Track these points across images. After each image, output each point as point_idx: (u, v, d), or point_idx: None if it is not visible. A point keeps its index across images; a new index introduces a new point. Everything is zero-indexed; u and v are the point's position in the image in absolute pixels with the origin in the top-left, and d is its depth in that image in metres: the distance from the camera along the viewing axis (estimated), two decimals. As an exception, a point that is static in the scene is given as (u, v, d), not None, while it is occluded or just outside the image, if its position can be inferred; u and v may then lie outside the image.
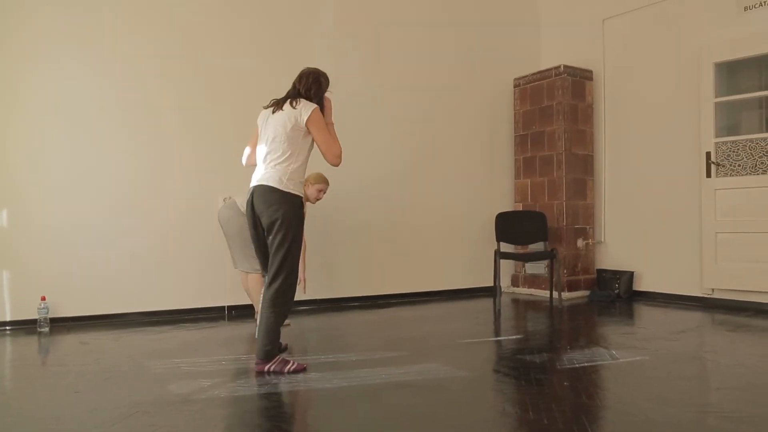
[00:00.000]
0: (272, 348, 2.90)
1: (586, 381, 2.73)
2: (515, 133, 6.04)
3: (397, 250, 5.45)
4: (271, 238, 2.88)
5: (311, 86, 2.99)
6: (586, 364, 3.00)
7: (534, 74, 5.82)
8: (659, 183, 5.25)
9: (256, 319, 4.30)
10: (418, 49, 5.60)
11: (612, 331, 3.95)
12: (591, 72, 5.75)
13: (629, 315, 4.66)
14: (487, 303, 5.30)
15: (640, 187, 5.41)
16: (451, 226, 5.77)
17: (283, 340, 3.40)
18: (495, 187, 6.02)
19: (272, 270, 2.86)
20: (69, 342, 3.71)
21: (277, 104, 2.98)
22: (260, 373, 2.87)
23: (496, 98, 6.04)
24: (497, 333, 4.10)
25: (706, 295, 4.93)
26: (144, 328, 4.10)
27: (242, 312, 4.66)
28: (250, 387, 2.66)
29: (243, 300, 4.64)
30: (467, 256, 5.82)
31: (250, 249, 3.94)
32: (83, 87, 4.27)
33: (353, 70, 5.26)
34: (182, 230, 4.56)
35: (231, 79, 4.74)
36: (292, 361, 2.95)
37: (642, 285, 5.39)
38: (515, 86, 6.03)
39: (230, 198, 4.17)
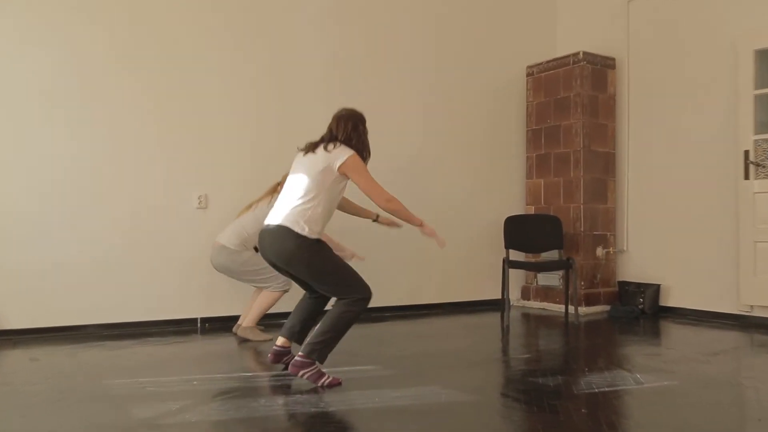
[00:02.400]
0: (320, 350, 2.98)
1: (606, 408, 2.71)
2: (527, 127, 6.04)
3: (392, 258, 5.42)
4: (308, 279, 3.11)
5: (351, 135, 3.14)
6: (606, 389, 2.98)
7: (549, 62, 5.82)
8: (690, 185, 5.25)
9: (234, 333, 4.29)
10: (417, 34, 5.59)
11: (636, 351, 3.94)
12: (614, 59, 5.74)
13: (655, 334, 4.65)
14: (493, 318, 5.28)
15: (669, 190, 5.40)
16: (454, 232, 5.73)
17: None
18: (504, 188, 6.01)
19: (334, 296, 3.09)
20: (16, 358, 3.65)
21: (311, 148, 3.14)
22: (293, 376, 3.03)
23: (506, 89, 6.03)
24: (505, 352, 4.08)
25: (743, 313, 4.92)
26: (103, 343, 4.05)
27: (218, 325, 4.62)
28: (226, 410, 2.63)
29: (219, 311, 4.60)
30: (471, 265, 5.80)
31: (264, 272, 4.06)
32: (40, 71, 4.22)
33: (346, 58, 5.24)
34: (150, 230, 4.52)
35: (205, 64, 4.71)
36: (327, 374, 3.01)
37: (670, 300, 5.38)
38: (528, 75, 6.02)
39: (215, 244, 4.20)
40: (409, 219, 3.20)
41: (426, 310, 5.55)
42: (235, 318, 4.48)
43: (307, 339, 3.08)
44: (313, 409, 2.65)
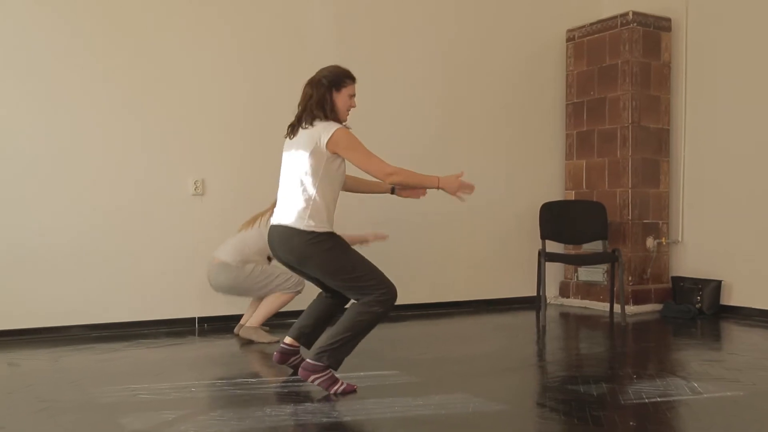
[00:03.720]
0: (333, 355, 3.00)
1: (658, 421, 2.69)
2: (567, 100, 5.99)
3: (414, 250, 5.42)
4: (326, 280, 3.15)
5: (313, 97, 3.08)
6: (658, 399, 2.96)
7: (593, 24, 5.76)
8: (757, 166, 5.18)
9: (236, 334, 4.33)
10: (443, -8, 5.56)
11: (692, 357, 3.91)
12: (669, 20, 5.67)
13: (715, 337, 4.61)
14: (528, 317, 5.27)
15: (732, 172, 5.34)
16: (482, 221, 5.73)
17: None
18: (539, 170, 5.98)
19: (357, 299, 3.11)
20: (-5, 361, 3.71)
21: (292, 130, 3.15)
22: (303, 381, 3.06)
23: (543, 56, 5.98)
24: (541, 356, 4.08)
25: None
26: (91, 346, 4.10)
27: (217, 325, 4.66)
28: (227, 421, 2.65)
29: (218, 310, 4.64)
30: (503, 258, 5.79)
31: (274, 279, 4.14)
32: (14, 44, 4.26)
33: (351, 23, 5.22)
34: (140, 219, 4.56)
35: (199, 39, 4.72)
36: (341, 381, 3.03)
37: (732, 299, 5.33)
38: (568, 40, 5.97)
39: (213, 260, 4.24)
40: (423, 182, 3.21)
41: (452, 309, 5.56)
42: (237, 318, 4.52)
43: (321, 341, 3.10)
44: (324, 420, 2.67)
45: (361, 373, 3.42)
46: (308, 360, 3.03)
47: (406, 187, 3.34)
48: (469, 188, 3.27)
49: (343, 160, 3.12)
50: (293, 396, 3.01)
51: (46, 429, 2.57)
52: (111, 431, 2.54)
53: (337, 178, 3.12)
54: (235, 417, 2.71)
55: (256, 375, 3.57)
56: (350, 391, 3.02)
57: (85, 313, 4.42)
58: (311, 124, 3.07)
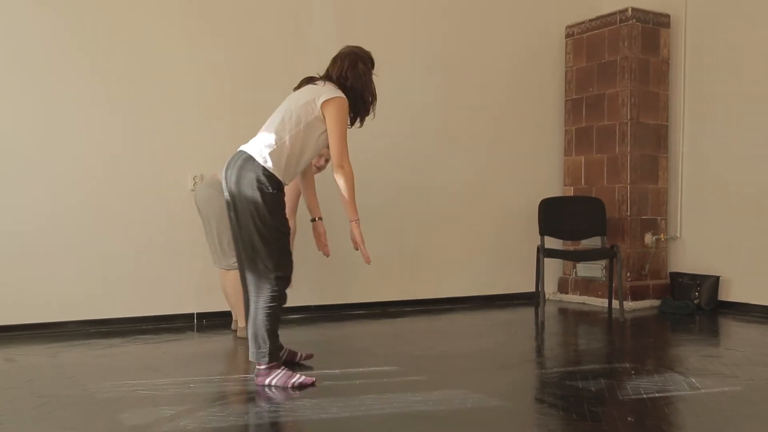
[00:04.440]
0: (269, 350, 3.01)
1: (656, 416, 2.70)
2: (566, 97, 5.98)
3: (413, 246, 5.43)
4: (242, 221, 3.04)
5: (347, 74, 3.13)
6: (656, 395, 2.96)
7: (593, 20, 5.75)
8: (755, 163, 5.17)
9: (234, 330, 4.33)
10: (442, -14, 5.54)
11: (690, 352, 3.92)
12: (668, 17, 5.66)
13: (713, 332, 4.62)
14: (526, 313, 5.27)
15: (730, 168, 5.34)
16: (481, 217, 5.73)
17: (305, 351, 3.55)
18: (538, 166, 5.97)
19: (248, 257, 3.05)
20: (-7, 357, 3.71)
21: (303, 83, 3.17)
22: (260, 387, 3.04)
23: (542, 52, 5.97)
24: (540, 352, 4.08)
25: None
26: (89, 341, 4.10)
27: (216, 321, 4.66)
28: (226, 417, 2.65)
29: (217, 306, 4.63)
30: (501, 254, 5.79)
31: (228, 239, 3.97)
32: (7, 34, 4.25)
33: (351, 16, 5.21)
34: (139, 216, 4.55)
35: (200, 29, 4.71)
36: (298, 374, 3.06)
37: (730, 294, 5.33)
38: (567, 36, 5.96)
39: (212, 175, 4.19)
40: (348, 205, 3.14)
41: (450, 305, 5.55)
42: (235, 313, 4.52)
43: (251, 345, 3.06)
44: (323, 415, 2.67)
45: (361, 369, 3.43)
46: (257, 367, 3.06)
47: (320, 233, 3.42)
48: (366, 258, 3.27)
49: (325, 138, 3.10)
50: (292, 392, 3.01)
51: (44, 424, 2.56)
52: (109, 427, 2.53)
53: (314, 141, 3.09)
54: (233, 413, 2.71)
55: (254, 371, 3.56)
56: (308, 384, 3.04)
57: (83, 308, 4.42)
58: (323, 83, 3.09)
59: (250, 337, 3.07)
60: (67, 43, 4.37)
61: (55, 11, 4.34)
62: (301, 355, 3.52)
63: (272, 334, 3.05)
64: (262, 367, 3.06)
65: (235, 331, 4.33)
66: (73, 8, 4.38)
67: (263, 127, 3.15)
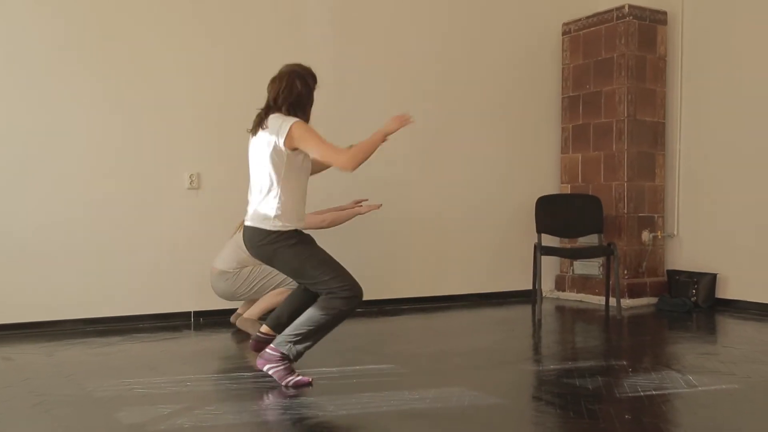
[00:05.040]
0: (295, 346, 3.00)
1: (653, 414, 2.70)
2: (563, 94, 5.98)
3: (409, 244, 5.42)
4: (292, 277, 3.22)
5: (281, 94, 3.07)
6: (653, 392, 2.97)
7: (589, 17, 5.75)
8: (752, 160, 5.18)
9: (232, 322, 4.33)
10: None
11: (687, 350, 3.92)
12: (665, 14, 5.66)
13: (710, 330, 4.63)
14: (523, 311, 5.28)
15: (727, 166, 5.34)
16: (478, 214, 5.73)
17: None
18: (535, 164, 5.97)
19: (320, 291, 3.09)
20: (-10, 356, 3.70)
21: (255, 127, 3.12)
22: (258, 371, 3.06)
23: (539, 50, 5.97)
24: (537, 350, 4.08)
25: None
26: (86, 340, 4.09)
27: (213, 319, 4.65)
28: (223, 415, 2.65)
29: (213, 305, 4.63)
30: (498, 252, 5.79)
31: (271, 279, 4.17)
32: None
33: (351, 16, 5.20)
34: (136, 213, 4.54)
35: (194, 29, 4.70)
36: (296, 373, 3.04)
37: (727, 292, 5.34)
38: (564, 33, 5.95)
39: (213, 269, 4.28)
40: (376, 145, 3.07)
41: (448, 303, 5.55)
42: (233, 312, 4.51)
43: (284, 331, 3.08)
44: (321, 413, 2.67)
45: (358, 367, 3.42)
46: (267, 349, 3.05)
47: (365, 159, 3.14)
48: (405, 120, 3.20)
49: (305, 156, 3.09)
50: (289, 390, 3.00)
51: (41, 423, 2.56)
52: (106, 425, 2.53)
53: (303, 171, 3.12)
54: (230, 411, 2.71)
55: (251, 369, 3.55)
56: (304, 384, 3.02)
57: (80, 307, 4.41)
58: (268, 121, 3.04)
59: (290, 326, 3.05)
60: (64, 44, 4.35)
61: (54, 12, 4.33)
62: None
63: (309, 337, 3.03)
64: (269, 351, 3.03)
65: (233, 323, 4.32)
66: (71, 9, 4.37)
67: (251, 190, 3.13)
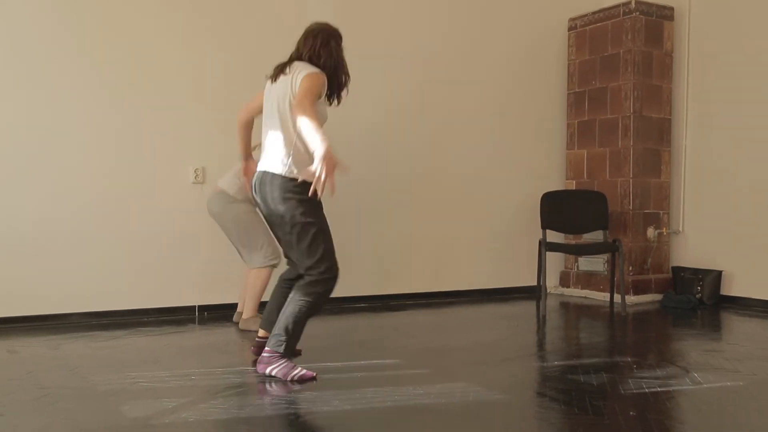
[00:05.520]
0: (287, 342, 3.04)
1: (658, 411, 2.70)
2: (568, 90, 5.96)
3: (414, 239, 5.42)
4: (284, 235, 3.10)
5: (320, 52, 3.09)
6: (658, 389, 2.96)
7: (596, 13, 5.73)
8: (759, 157, 5.16)
9: (236, 322, 4.34)
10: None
11: (692, 347, 3.91)
12: (672, 9, 5.63)
13: (715, 327, 4.62)
14: (528, 307, 5.27)
15: (733, 162, 5.32)
16: (483, 210, 5.72)
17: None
18: (540, 160, 5.96)
19: (301, 265, 3.08)
20: (-5, 349, 3.72)
21: (276, 73, 3.13)
22: (260, 375, 3.06)
23: (544, 45, 5.95)
24: (541, 346, 4.08)
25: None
26: (90, 333, 4.10)
27: (218, 313, 4.66)
28: (227, 409, 2.65)
29: (218, 299, 4.64)
30: (503, 248, 5.78)
31: (255, 242, 4.10)
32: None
33: (354, 10, 5.19)
34: (140, 207, 4.55)
35: (200, 21, 4.69)
36: (299, 367, 3.06)
37: (733, 289, 5.33)
38: (570, 29, 5.94)
39: (216, 187, 4.26)
40: (314, 139, 2.75)
41: (452, 298, 5.55)
42: (236, 305, 4.52)
43: (274, 331, 3.10)
44: (325, 408, 2.67)
45: (362, 362, 3.42)
46: (264, 353, 3.08)
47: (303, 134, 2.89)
48: (331, 187, 2.77)
49: (323, 100, 3.11)
50: (294, 385, 3.01)
51: (45, 416, 2.57)
52: (111, 418, 2.54)
53: (319, 119, 3.03)
54: (235, 405, 2.71)
55: (256, 363, 3.56)
56: (308, 378, 3.04)
57: (84, 300, 4.42)
58: (291, 67, 3.06)
59: (277, 324, 3.08)
60: (67, 40, 4.35)
61: (55, 9, 4.32)
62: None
63: (297, 328, 3.06)
64: (266, 354, 3.07)
65: (237, 323, 4.34)
66: (72, 5, 4.36)
67: (266, 136, 3.14)
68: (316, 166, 2.66)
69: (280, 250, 3.48)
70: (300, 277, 3.13)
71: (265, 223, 3.33)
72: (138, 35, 4.53)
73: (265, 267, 4.16)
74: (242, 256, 4.25)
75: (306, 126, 2.81)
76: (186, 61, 4.66)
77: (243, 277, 4.38)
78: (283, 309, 3.09)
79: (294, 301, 3.05)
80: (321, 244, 3.04)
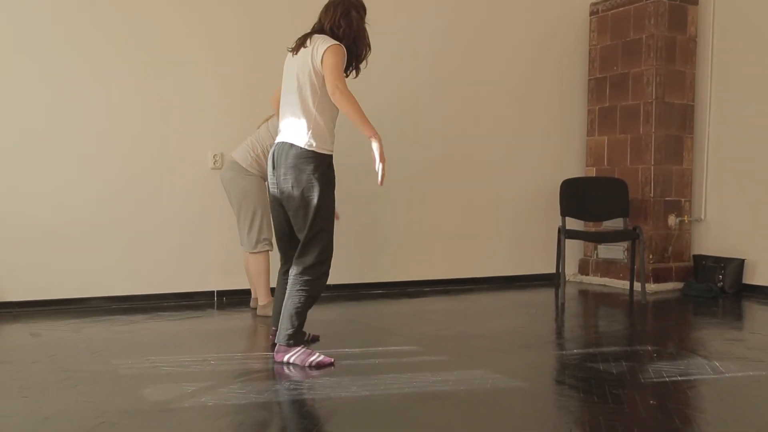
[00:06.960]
0: (294, 332, 3.05)
1: (678, 400, 2.67)
2: (590, 76, 5.91)
3: (432, 226, 5.41)
4: (290, 210, 3.06)
5: (339, 22, 3.08)
6: (678, 378, 2.94)
7: (618, -3, 5.66)
8: (782, 143, 5.08)
9: (253, 308, 4.36)
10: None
11: (714, 335, 3.88)
12: (695, -6, 5.56)
13: (737, 316, 4.57)
14: (546, 295, 5.25)
15: (757, 149, 5.25)
16: (502, 197, 5.70)
17: (314, 330, 3.55)
18: (560, 146, 5.92)
19: (300, 245, 3.06)
20: (16, 333, 3.76)
21: (298, 46, 3.11)
22: (279, 364, 3.08)
23: (566, 30, 5.89)
24: (560, 333, 4.06)
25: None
26: (111, 318, 4.14)
27: (236, 299, 4.69)
28: (246, 393, 2.67)
29: (237, 284, 4.66)
30: (522, 235, 5.76)
31: (254, 221, 4.08)
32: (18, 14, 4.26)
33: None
34: (161, 194, 4.57)
35: (221, 9, 4.68)
36: (317, 353, 3.07)
37: (755, 277, 5.28)
38: (592, 14, 5.87)
39: (230, 158, 4.25)
40: (360, 124, 2.93)
41: (470, 285, 5.55)
42: (255, 291, 4.54)
43: (281, 325, 3.09)
44: (343, 394, 2.67)
45: (380, 348, 3.43)
46: (279, 347, 3.09)
47: (352, 120, 2.99)
48: (381, 176, 2.98)
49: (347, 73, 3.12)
50: (312, 370, 3.02)
51: (68, 398, 2.60)
52: (131, 402, 2.56)
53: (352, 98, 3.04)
54: (253, 390, 2.73)
55: (274, 348, 3.58)
56: (326, 364, 3.05)
57: (106, 285, 4.47)
58: (312, 40, 3.04)
59: (282, 315, 3.09)
60: (87, 26, 4.37)
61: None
62: (309, 335, 3.48)
63: (301, 318, 3.07)
64: (283, 343, 3.09)
65: (255, 309, 4.36)
66: (95, -15, 4.38)
67: (285, 109, 3.11)
68: (377, 155, 2.91)
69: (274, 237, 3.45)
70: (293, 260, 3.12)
71: (269, 206, 3.30)
72: (159, 21, 4.54)
73: (259, 252, 4.15)
74: (240, 236, 4.21)
75: (351, 112, 2.90)
76: (206, 46, 4.66)
77: (244, 263, 4.39)
78: (284, 304, 3.10)
79: (292, 295, 3.06)
80: (320, 243, 3.04)
